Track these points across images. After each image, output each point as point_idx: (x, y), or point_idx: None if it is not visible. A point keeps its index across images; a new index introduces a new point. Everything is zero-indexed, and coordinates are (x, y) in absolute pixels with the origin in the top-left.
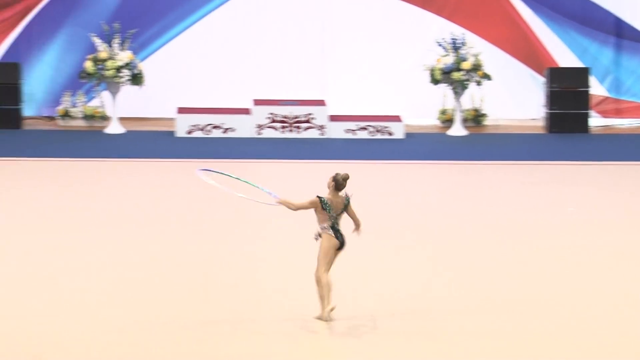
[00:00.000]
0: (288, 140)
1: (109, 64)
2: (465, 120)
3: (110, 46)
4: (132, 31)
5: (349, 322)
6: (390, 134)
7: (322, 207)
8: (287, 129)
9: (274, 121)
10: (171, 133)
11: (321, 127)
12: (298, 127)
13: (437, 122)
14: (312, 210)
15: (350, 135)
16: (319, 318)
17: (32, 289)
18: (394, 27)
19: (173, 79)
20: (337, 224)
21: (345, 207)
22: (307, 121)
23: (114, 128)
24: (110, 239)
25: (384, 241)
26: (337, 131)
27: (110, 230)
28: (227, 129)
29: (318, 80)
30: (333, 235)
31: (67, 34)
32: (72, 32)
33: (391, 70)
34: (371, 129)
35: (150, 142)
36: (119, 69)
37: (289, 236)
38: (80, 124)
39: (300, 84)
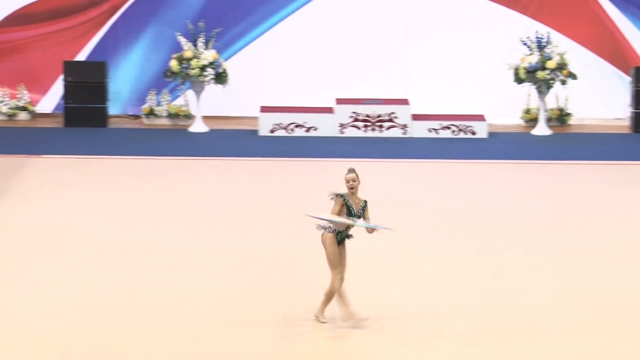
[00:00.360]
0: (370, 139)
1: (194, 63)
2: (549, 120)
3: (195, 45)
4: (217, 30)
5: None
6: (473, 133)
7: (345, 204)
8: (369, 128)
9: (356, 120)
10: (254, 132)
11: (404, 126)
12: (380, 126)
13: (521, 122)
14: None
15: (432, 135)
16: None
17: (118, 284)
18: (477, 26)
19: (256, 77)
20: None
21: (363, 209)
22: (390, 120)
23: (198, 127)
24: (193, 235)
25: (469, 240)
26: (419, 130)
27: (193, 227)
28: (309, 127)
29: (401, 79)
30: (335, 236)
31: (153, 33)
32: (157, 31)
33: (475, 69)
34: (454, 128)
35: (233, 141)
36: (203, 67)
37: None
38: (164, 122)
39: (383, 83)
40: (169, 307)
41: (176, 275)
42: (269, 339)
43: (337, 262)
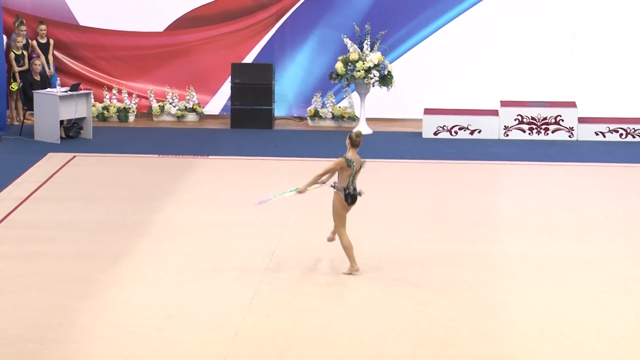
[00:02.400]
0: (535, 142)
1: (359, 65)
2: None
3: (360, 47)
4: (383, 32)
5: None
6: None
7: (348, 165)
8: (534, 130)
9: (521, 123)
10: (418, 134)
11: (570, 129)
12: (546, 129)
13: None
14: None
15: (600, 138)
16: (349, 273)
17: (286, 285)
18: None
19: (421, 80)
20: (354, 182)
21: (361, 167)
22: (556, 123)
23: (362, 128)
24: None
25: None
26: (586, 133)
27: (358, 228)
28: (473, 130)
29: (567, 81)
30: (343, 197)
31: (319, 35)
32: (323, 33)
33: None
34: (622, 132)
35: (397, 143)
36: (368, 70)
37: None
38: (329, 124)
39: (549, 85)
40: (334, 310)
41: (345, 280)
42: None
43: (343, 220)
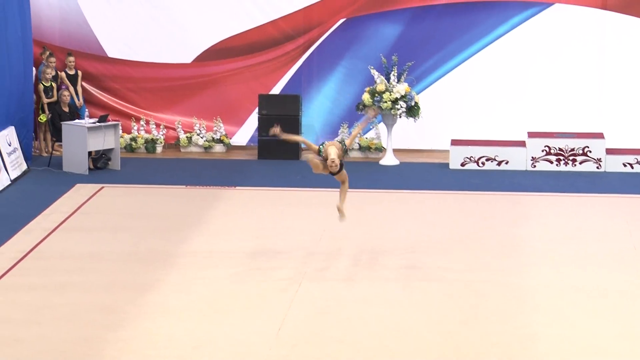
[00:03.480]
0: (563, 173)
1: (386, 96)
2: None
3: (387, 78)
4: (410, 63)
5: None
6: None
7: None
8: (562, 161)
9: (549, 154)
10: (445, 165)
11: (598, 160)
12: (574, 160)
13: None
14: None
15: (627, 169)
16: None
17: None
18: None
19: (448, 110)
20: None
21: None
22: (584, 154)
23: (389, 159)
24: (394, 268)
25: None
26: (614, 164)
27: (382, 256)
28: (500, 161)
29: (595, 112)
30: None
31: (346, 66)
32: (350, 64)
33: None
34: None
35: (424, 174)
36: (395, 101)
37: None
38: (356, 155)
39: (576, 116)
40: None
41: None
42: None
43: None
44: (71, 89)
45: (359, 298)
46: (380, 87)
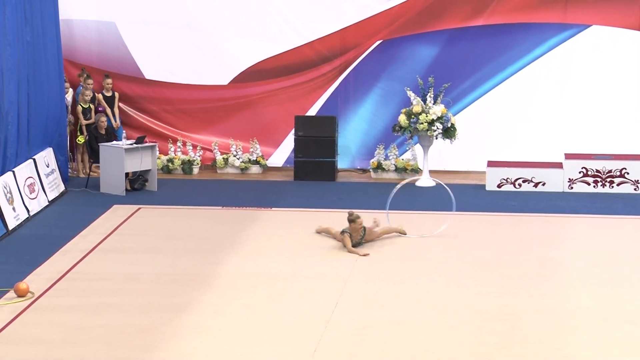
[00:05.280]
0: (600, 195)
1: (422, 117)
2: None
3: (424, 100)
4: (446, 85)
5: None
6: None
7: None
8: (599, 183)
9: (586, 175)
10: (481, 186)
11: (635, 182)
12: (611, 182)
13: None
14: None
15: None
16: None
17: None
18: None
19: (484, 132)
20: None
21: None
22: (621, 176)
23: (425, 181)
24: (420, 286)
25: None
26: None
27: (418, 279)
28: (537, 182)
29: (632, 134)
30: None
31: (382, 88)
32: (387, 86)
33: None
34: None
35: (460, 195)
36: (431, 122)
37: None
38: (392, 176)
39: (613, 138)
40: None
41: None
42: None
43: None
44: (108, 110)
45: (394, 320)
46: (417, 108)
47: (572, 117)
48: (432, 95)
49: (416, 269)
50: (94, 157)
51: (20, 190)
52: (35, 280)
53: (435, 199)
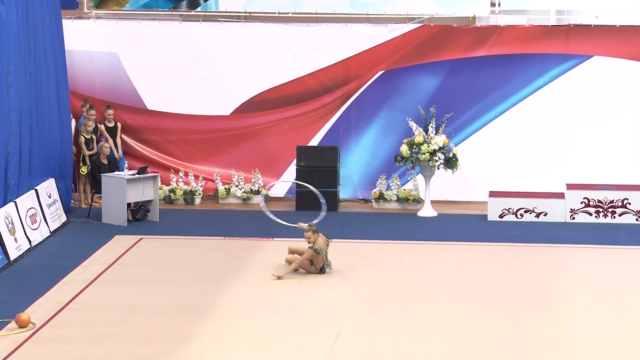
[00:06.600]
0: (602, 225)
1: (424, 147)
2: None
3: (425, 130)
4: (448, 115)
5: None
6: None
7: (317, 253)
8: (601, 214)
9: (588, 206)
10: (483, 217)
11: (638, 213)
12: (613, 212)
13: None
14: None
15: None
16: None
17: None
18: None
19: (486, 162)
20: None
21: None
22: (623, 206)
23: (427, 211)
24: (422, 317)
25: None
26: None
27: (421, 309)
28: (539, 213)
29: (634, 164)
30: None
31: (384, 118)
32: (389, 116)
33: None
34: None
35: (462, 226)
36: (433, 152)
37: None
38: (393, 206)
39: (615, 168)
40: None
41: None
42: None
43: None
44: (110, 141)
45: (398, 350)
46: (419, 138)
47: (574, 147)
48: (433, 126)
49: (419, 299)
50: (96, 187)
51: (22, 220)
52: (36, 311)
53: (436, 229)
